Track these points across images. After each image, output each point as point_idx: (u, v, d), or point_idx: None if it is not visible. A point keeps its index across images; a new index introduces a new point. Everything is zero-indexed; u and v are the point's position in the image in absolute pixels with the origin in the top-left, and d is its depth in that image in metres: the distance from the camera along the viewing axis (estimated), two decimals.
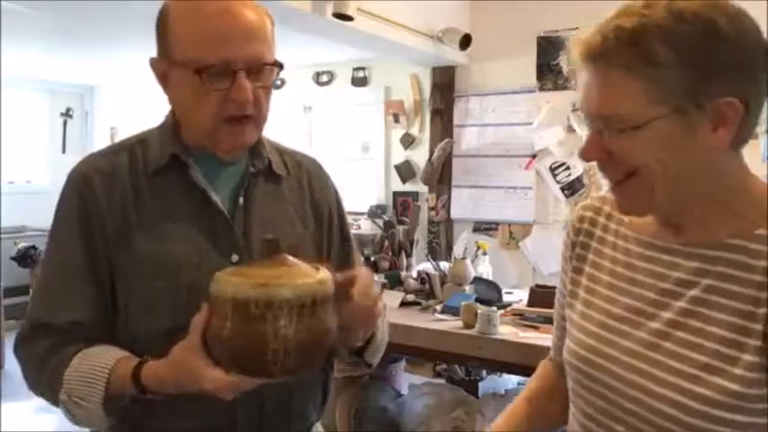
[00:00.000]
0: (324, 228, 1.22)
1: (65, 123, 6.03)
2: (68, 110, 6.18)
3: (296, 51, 4.20)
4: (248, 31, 1.03)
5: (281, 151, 1.23)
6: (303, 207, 1.20)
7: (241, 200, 1.11)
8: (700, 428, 0.79)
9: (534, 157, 3.93)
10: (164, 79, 1.08)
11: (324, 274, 0.95)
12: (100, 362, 1.01)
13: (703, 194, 0.85)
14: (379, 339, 1.18)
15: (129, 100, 5.86)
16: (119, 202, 1.07)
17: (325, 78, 4.95)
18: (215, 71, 1.01)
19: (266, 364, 0.89)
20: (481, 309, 2.29)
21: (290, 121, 4.91)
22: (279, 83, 5.16)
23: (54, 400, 1.04)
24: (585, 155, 0.86)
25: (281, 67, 1.07)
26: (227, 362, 0.92)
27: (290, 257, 0.96)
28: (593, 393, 0.91)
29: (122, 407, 1.03)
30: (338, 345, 1.09)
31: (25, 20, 3.93)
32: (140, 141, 1.14)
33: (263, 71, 1.05)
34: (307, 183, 1.22)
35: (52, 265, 1.09)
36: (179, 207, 1.08)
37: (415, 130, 4.52)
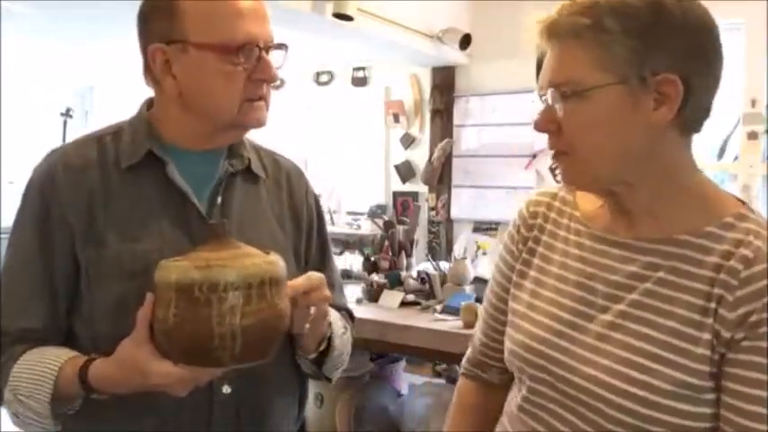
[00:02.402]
0: (303, 230, 1.20)
1: (65, 123, 6.01)
2: (68, 110, 6.16)
3: (296, 51, 4.19)
4: (263, 12, 1.05)
5: (259, 150, 1.21)
6: (281, 208, 1.18)
7: (219, 199, 1.08)
8: (649, 417, 0.82)
9: (534, 157, 3.93)
10: (165, 67, 1.04)
11: (274, 256, 0.92)
12: (49, 359, 0.98)
13: (648, 180, 0.87)
14: (337, 354, 1.15)
15: (129, 100, 5.84)
16: (85, 198, 1.03)
17: (324, 78, 4.95)
18: (246, 50, 1.01)
19: (214, 352, 0.85)
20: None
21: (289, 121, 4.91)
22: (278, 83, 5.15)
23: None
24: (537, 125, 0.89)
25: (287, 50, 1.09)
26: (174, 353, 0.88)
27: (238, 242, 0.93)
28: (541, 383, 0.92)
29: (70, 411, 0.99)
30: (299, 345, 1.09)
31: (25, 20, 3.93)
32: (112, 134, 1.10)
33: (274, 54, 1.07)
34: (286, 184, 1.20)
35: (8, 269, 1.05)
36: (153, 205, 1.05)
37: (415, 130, 4.51)
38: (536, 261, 1.00)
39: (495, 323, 1.07)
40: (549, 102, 0.87)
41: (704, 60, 0.84)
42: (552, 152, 0.91)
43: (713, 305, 0.81)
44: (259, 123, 1.08)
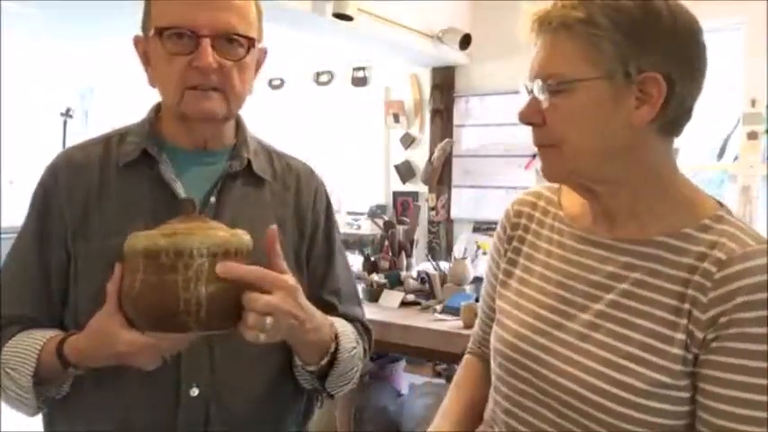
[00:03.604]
0: (306, 233, 1.17)
1: (65, 123, 6.01)
2: (68, 110, 6.16)
3: (296, 51, 4.19)
4: (221, 1, 1.01)
5: (271, 153, 1.19)
6: (285, 211, 1.15)
7: (213, 199, 1.08)
8: (626, 416, 0.83)
9: (534, 157, 3.93)
10: (145, 57, 1.07)
11: (239, 231, 0.93)
12: (37, 336, 1.01)
13: (629, 180, 0.88)
14: (342, 370, 1.10)
15: (129, 100, 5.86)
16: (82, 194, 1.06)
17: (324, 78, 4.95)
18: (177, 34, 1.00)
19: (179, 316, 0.86)
20: None
21: (289, 122, 4.91)
22: (278, 83, 5.16)
23: None
24: (523, 116, 0.91)
25: (251, 42, 1.04)
26: (141, 320, 0.90)
27: (209, 219, 0.95)
28: (522, 381, 0.94)
29: (57, 396, 1.01)
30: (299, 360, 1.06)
31: (25, 20, 3.93)
32: (120, 134, 1.12)
33: (233, 43, 1.02)
34: (294, 186, 1.18)
35: (9, 260, 1.09)
36: (143, 202, 1.06)
37: (415, 130, 4.52)
38: (521, 260, 1.02)
39: (487, 319, 1.12)
40: (536, 94, 0.89)
41: (689, 65, 0.86)
42: (537, 148, 0.92)
43: (687, 306, 0.82)
44: (201, 114, 1.04)
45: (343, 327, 1.12)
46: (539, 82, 0.88)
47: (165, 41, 1.01)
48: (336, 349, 1.07)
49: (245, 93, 1.07)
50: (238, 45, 1.03)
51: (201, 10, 1.00)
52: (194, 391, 1.02)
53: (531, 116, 0.90)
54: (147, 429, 1.02)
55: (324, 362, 1.06)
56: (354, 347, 1.12)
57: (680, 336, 0.82)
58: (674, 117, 0.86)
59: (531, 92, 0.90)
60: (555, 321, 0.92)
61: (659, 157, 0.89)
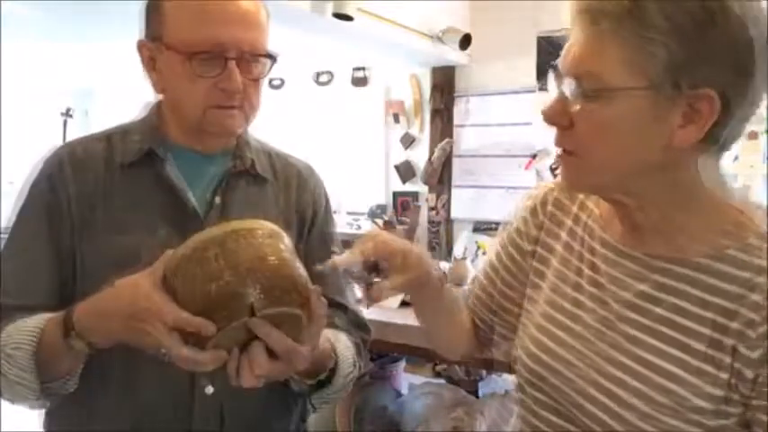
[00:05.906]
0: (305, 231, 1.17)
1: (65, 123, 6.01)
2: (68, 110, 6.16)
3: (296, 51, 4.19)
4: (243, 18, 1.01)
5: (271, 153, 1.20)
6: (288, 211, 1.16)
7: (217, 199, 1.07)
8: None
9: (534, 157, 3.93)
10: (150, 63, 1.06)
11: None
12: (42, 316, 0.97)
13: (659, 198, 0.80)
14: (332, 392, 1.10)
15: (129, 100, 5.84)
16: (88, 190, 1.05)
17: (324, 78, 4.95)
18: (206, 57, 0.99)
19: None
20: None
21: (289, 122, 4.91)
22: (278, 83, 5.16)
23: None
24: (548, 117, 0.79)
25: (273, 59, 1.05)
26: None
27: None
28: (545, 395, 0.89)
29: (63, 391, 0.97)
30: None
31: (25, 20, 3.93)
32: (122, 132, 1.11)
33: (255, 62, 1.03)
34: (295, 185, 1.18)
35: (15, 249, 1.06)
36: (149, 201, 1.06)
37: (415, 130, 4.51)
38: (555, 263, 0.94)
39: (483, 292, 1.09)
40: (566, 93, 0.77)
41: (750, 80, 0.72)
42: (558, 150, 0.81)
43: (731, 341, 0.74)
44: (225, 131, 1.07)
45: (343, 351, 1.11)
46: (571, 81, 0.75)
47: (191, 62, 0.99)
48: (334, 369, 1.07)
49: (259, 105, 1.08)
50: (260, 63, 1.04)
51: (229, 31, 0.99)
52: (209, 389, 1.03)
53: (556, 117, 0.78)
54: (163, 429, 1.02)
55: (311, 382, 1.06)
56: (350, 372, 1.12)
57: (723, 375, 0.75)
58: (723, 141, 0.76)
59: (560, 89, 0.78)
60: (584, 336, 0.86)
61: (696, 176, 0.79)
